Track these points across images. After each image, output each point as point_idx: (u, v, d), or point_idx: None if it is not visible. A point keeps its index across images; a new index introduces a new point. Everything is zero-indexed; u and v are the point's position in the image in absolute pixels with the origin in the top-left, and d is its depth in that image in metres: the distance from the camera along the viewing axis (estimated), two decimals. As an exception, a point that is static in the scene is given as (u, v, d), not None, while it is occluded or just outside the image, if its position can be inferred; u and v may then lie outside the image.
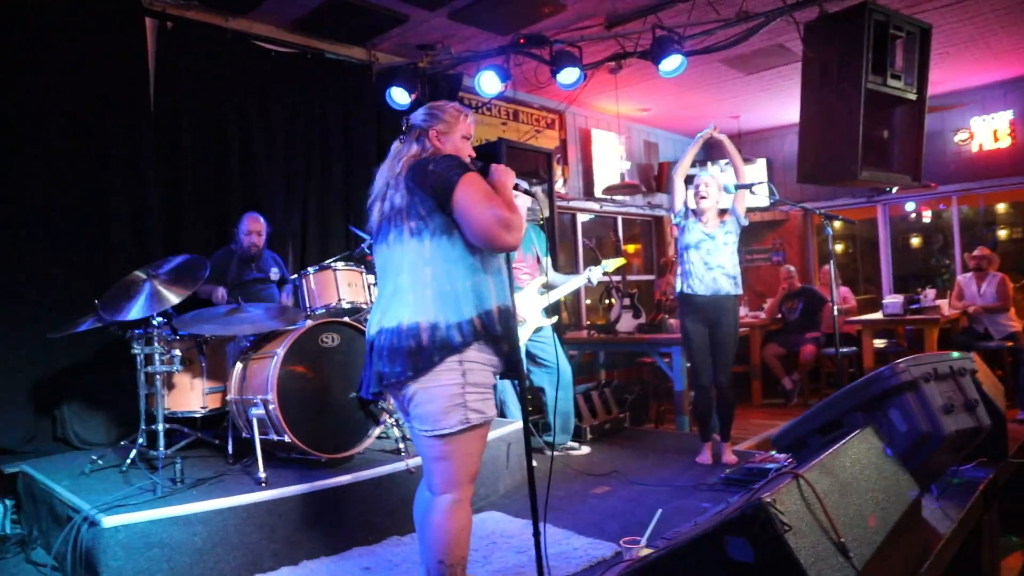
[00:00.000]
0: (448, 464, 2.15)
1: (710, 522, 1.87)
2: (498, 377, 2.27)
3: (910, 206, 9.55)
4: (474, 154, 2.38)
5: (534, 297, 4.82)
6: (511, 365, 2.24)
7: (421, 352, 2.07)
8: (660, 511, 2.68)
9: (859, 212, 9.74)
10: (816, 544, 1.73)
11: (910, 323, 6.87)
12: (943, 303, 7.06)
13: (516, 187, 2.30)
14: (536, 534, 2.27)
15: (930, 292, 6.99)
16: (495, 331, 2.14)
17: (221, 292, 4.30)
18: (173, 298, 3.50)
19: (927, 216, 10.62)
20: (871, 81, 4.59)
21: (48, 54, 4.27)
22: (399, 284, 2.17)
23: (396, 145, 2.35)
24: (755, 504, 1.70)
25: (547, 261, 5.04)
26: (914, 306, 6.82)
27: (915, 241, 11.84)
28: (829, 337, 7.32)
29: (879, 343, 7.45)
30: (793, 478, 1.87)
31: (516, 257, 4.76)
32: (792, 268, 7.85)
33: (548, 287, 4.92)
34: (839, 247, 12.50)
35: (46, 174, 4.27)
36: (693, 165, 5.74)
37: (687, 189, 4.62)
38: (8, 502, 3.83)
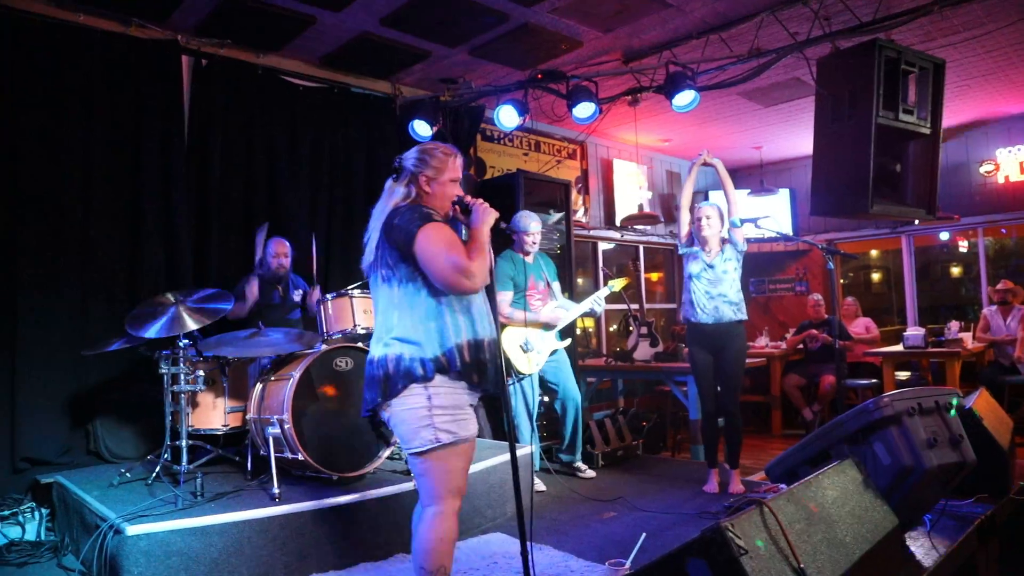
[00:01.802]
0: (428, 479, 2.33)
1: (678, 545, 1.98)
2: (479, 400, 2.44)
3: (945, 235, 9.49)
4: (461, 193, 2.50)
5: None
6: (487, 390, 2.40)
7: (388, 379, 2.31)
8: (644, 535, 2.78)
9: (885, 243, 9.71)
10: (773, 568, 1.83)
11: (931, 356, 6.83)
12: (967, 336, 7.01)
13: (496, 225, 2.45)
14: (524, 554, 2.37)
15: (954, 325, 6.94)
16: (456, 368, 2.30)
17: (254, 281, 4.56)
18: (192, 324, 3.74)
19: (963, 246, 10.51)
20: (882, 116, 4.67)
21: (90, 89, 4.55)
22: (376, 323, 2.43)
23: (389, 184, 2.51)
24: (714, 528, 1.81)
25: (556, 286, 5.18)
26: (939, 338, 6.78)
27: (954, 271, 11.71)
28: (851, 368, 7.31)
29: (902, 375, 7.40)
30: (757, 505, 1.98)
31: (528, 285, 4.93)
32: (819, 297, 7.85)
33: (558, 303, 5.08)
34: (875, 277, 12.43)
35: (85, 201, 4.52)
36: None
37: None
38: (43, 510, 4.06)
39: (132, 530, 3.01)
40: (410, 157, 2.48)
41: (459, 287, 2.28)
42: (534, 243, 4.94)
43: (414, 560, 2.33)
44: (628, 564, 2.59)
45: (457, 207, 2.47)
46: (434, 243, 2.27)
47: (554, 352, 5.04)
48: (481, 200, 2.46)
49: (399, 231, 2.31)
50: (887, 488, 2.65)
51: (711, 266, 4.51)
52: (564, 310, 5.02)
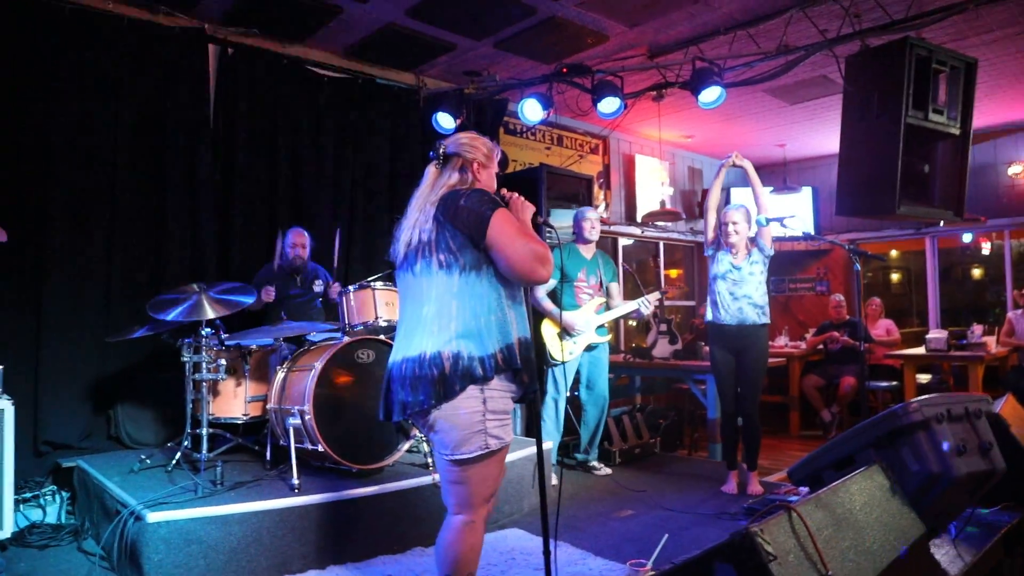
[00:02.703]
0: (464, 488, 2.22)
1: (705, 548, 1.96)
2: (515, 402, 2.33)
3: (967, 237, 9.36)
4: (499, 189, 2.42)
5: (592, 316, 5.01)
6: (528, 392, 2.30)
7: (444, 381, 2.12)
8: (667, 536, 2.75)
9: (909, 243, 9.59)
10: (801, 575, 1.81)
11: (953, 360, 6.75)
12: (990, 340, 6.92)
13: (534, 219, 2.35)
14: (546, 552, 2.35)
15: (977, 328, 6.85)
16: (516, 364, 2.19)
17: (271, 289, 4.53)
18: (211, 312, 3.77)
19: (986, 248, 10.38)
20: (912, 116, 4.59)
21: (117, 76, 4.58)
22: (423, 315, 2.21)
23: (432, 171, 2.36)
24: (742, 532, 1.78)
25: (614, 287, 5.22)
26: (961, 341, 6.70)
27: (976, 273, 11.55)
28: (871, 370, 7.23)
29: (923, 378, 7.32)
30: (785, 510, 1.95)
31: (578, 276, 4.95)
32: (841, 297, 7.78)
33: (609, 306, 5.11)
34: (895, 277, 12.30)
35: (111, 188, 4.56)
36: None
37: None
38: (64, 494, 4.10)
39: (153, 517, 3.03)
40: (459, 143, 2.36)
41: (534, 276, 2.15)
42: (593, 229, 5.01)
43: (440, 568, 2.25)
44: (649, 565, 2.58)
45: (497, 198, 2.37)
46: (512, 228, 2.15)
47: (593, 347, 5.03)
48: (517, 194, 2.38)
49: (469, 213, 2.15)
50: (914, 495, 2.61)
51: (737, 267, 4.47)
52: (597, 315, 5.04)
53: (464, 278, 2.18)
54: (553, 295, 4.95)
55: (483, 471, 2.21)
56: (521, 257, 2.13)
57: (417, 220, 2.27)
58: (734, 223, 4.48)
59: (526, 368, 2.23)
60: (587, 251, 5.08)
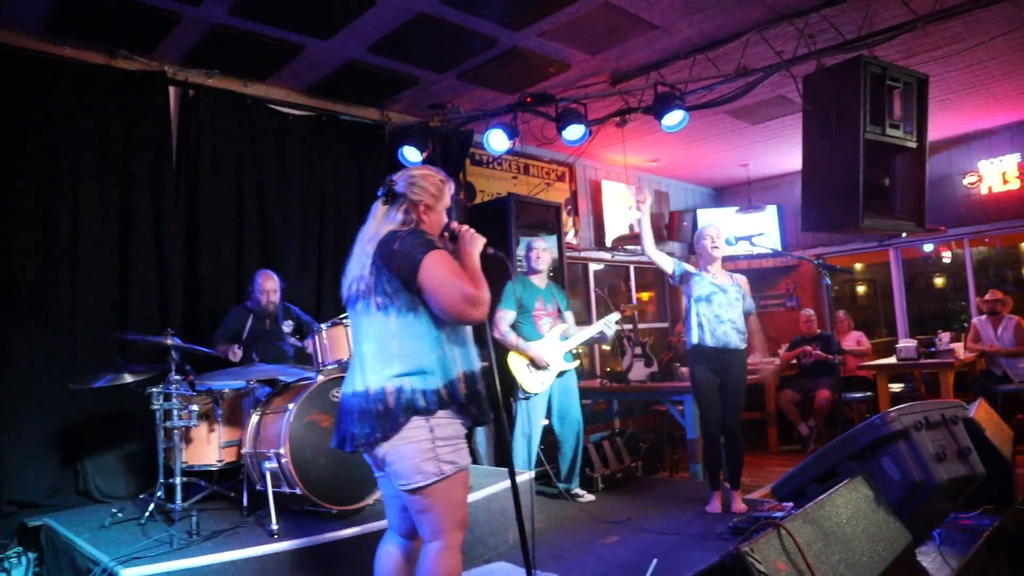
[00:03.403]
0: (433, 514, 2.23)
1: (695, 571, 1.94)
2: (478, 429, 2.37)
3: (928, 247, 9.56)
4: (448, 221, 2.45)
5: (556, 343, 4.99)
6: (480, 422, 2.34)
7: (388, 414, 2.17)
8: (655, 560, 2.72)
9: (873, 256, 9.77)
10: (795, 592, 1.80)
11: (924, 367, 6.84)
12: (958, 347, 7.04)
13: (484, 251, 2.39)
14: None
15: (945, 336, 6.97)
16: (459, 399, 2.24)
17: (236, 349, 4.44)
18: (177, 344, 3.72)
19: (947, 256, 10.61)
20: (870, 131, 4.69)
21: (77, 122, 4.51)
22: (365, 352, 2.28)
23: (379, 210, 2.38)
24: (733, 553, 1.77)
25: (569, 315, 5.21)
26: (930, 349, 6.81)
27: (938, 281, 11.78)
28: (845, 381, 7.30)
29: (895, 387, 7.41)
30: (774, 528, 1.94)
31: (536, 306, 4.95)
32: (811, 312, 7.87)
33: (568, 335, 5.09)
34: (861, 290, 12.49)
35: (74, 234, 4.46)
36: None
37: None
38: (31, 555, 3.95)
39: (127, 574, 2.91)
40: (407, 182, 2.37)
41: (466, 317, 2.19)
42: (539, 259, 5.03)
43: None
44: (640, 591, 2.54)
45: (446, 234, 2.42)
46: (441, 271, 2.17)
47: (562, 373, 5.02)
48: (467, 227, 2.41)
49: (402, 257, 2.20)
50: (897, 504, 2.63)
51: (724, 290, 4.47)
52: (561, 341, 5.02)
53: (401, 319, 2.23)
54: (513, 327, 4.95)
55: (446, 496, 2.23)
56: (451, 300, 2.17)
57: (359, 261, 2.32)
58: (716, 237, 4.51)
59: (472, 401, 2.28)
60: (539, 280, 5.12)
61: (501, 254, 2.47)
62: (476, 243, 2.36)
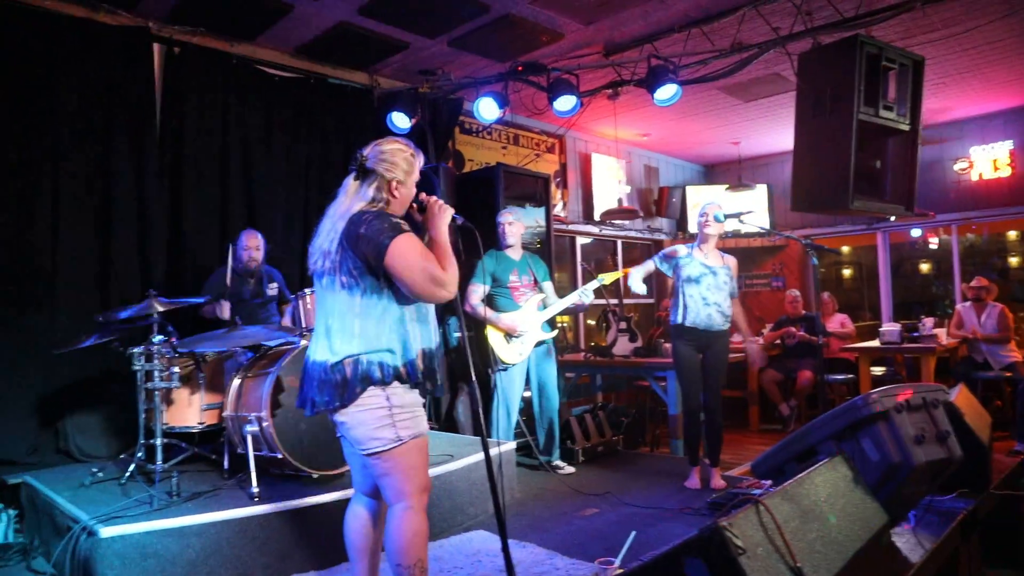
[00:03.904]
0: (393, 478, 2.31)
1: (673, 544, 1.94)
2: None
3: (916, 232, 9.60)
4: (418, 193, 2.46)
5: (533, 313, 4.97)
6: (437, 395, 2.40)
7: (346, 384, 2.25)
8: (634, 533, 2.74)
9: (861, 239, 9.80)
10: (770, 568, 1.80)
11: (907, 352, 6.90)
12: (941, 332, 7.09)
13: (452, 221, 2.43)
14: (505, 549, 2.34)
15: (928, 321, 7.02)
16: (416, 379, 2.32)
17: (226, 305, 4.38)
18: (159, 307, 3.68)
19: (934, 243, 10.65)
20: (863, 112, 4.67)
21: (59, 76, 4.42)
22: (329, 326, 2.32)
23: (351, 185, 2.39)
24: (711, 527, 1.77)
25: (548, 286, 5.16)
26: (913, 334, 6.85)
27: (924, 267, 11.86)
28: (826, 364, 7.35)
29: (877, 370, 7.48)
30: (753, 504, 1.95)
31: (510, 280, 4.91)
32: (797, 293, 7.90)
33: (546, 304, 5.06)
34: (846, 273, 12.56)
35: (54, 193, 4.39)
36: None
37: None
38: (11, 512, 3.92)
39: (106, 532, 2.91)
40: (378, 158, 2.37)
41: (434, 298, 2.28)
42: (506, 234, 4.95)
43: (390, 559, 2.30)
44: (618, 562, 2.56)
45: (414, 206, 2.45)
46: (409, 256, 2.22)
47: (540, 343, 5.01)
48: (435, 198, 2.44)
49: (367, 242, 2.22)
50: (875, 484, 2.64)
51: (714, 272, 4.46)
52: (539, 311, 5.00)
53: (365, 300, 2.29)
54: (490, 300, 4.92)
55: (405, 461, 2.30)
56: (419, 283, 2.23)
57: (327, 236, 2.33)
58: (711, 215, 4.50)
59: (427, 378, 2.37)
60: (514, 253, 5.05)
61: (469, 224, 2.51)
62: (444, 214, 2.42)
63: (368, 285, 2.27)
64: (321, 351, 2.32)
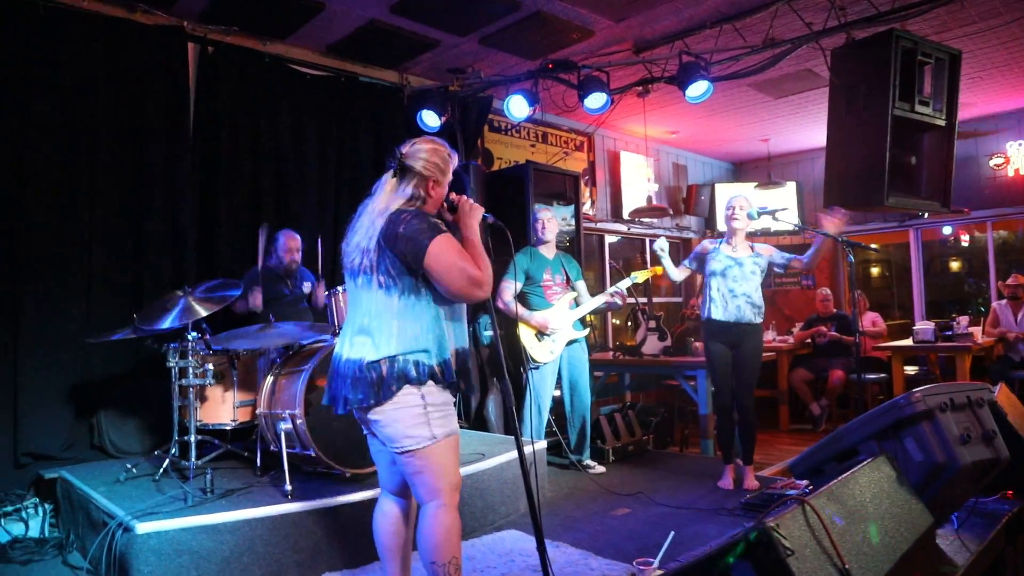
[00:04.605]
0: (426, 475, 2.30)
1: (717, 545, 1.91)
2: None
3: (947, 230, 9.43)
4: (448, 192, 2.45)
5: (566, 312, 4.95)
6: (465, 393, 2.45)
7: (382, 382, 2.24)
8: (672, 533, 2.71)
9: (892, 236, 9.64)
10: (819, 570, 1.76)
11: (941, 350, 6.78)
12: (976, 330, 6.96)
13: (483, 221, 2.42)
14: (541, 551, 2.31)
15: (963, 319, 6.89)
16: (451, 378, 2.32)
17: (258, 293, 4.41)
18: (203, 311, 3.69)
19: (965, 240, 10.46)
20: (898, 107, 4.58)
21: (95, 75, 4.47)
22: (365, 326, 2.30)
23: (389, 182, 2.37)
24: (759, 528, 1.74)
25: (581, 285, 5.14)
26: (947, 332, 6.73)
27: (954, 265, 11.65)
28: (859, 362, 7.24)
29: (910, 370, 7.36)
30: (799, 504, 1.91)
31: (543, 277, 4.90)
32: (828, 291, 7.80)
33: (578, 303, 5.05)
34: (875, 271, 12.37)
35: (92, 189, 4.45)
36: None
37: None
38: (47, 506, 3.98)
39: (142, 528, 2.94)
40: (420, 157, 2.36)
41: (472, 298, 2.27)
42: (544, 229, 4.92)
43: (423, 557, 2.29)
44: (656, 563, 2.53)
45: (445, 205, 2.44)
46: (448, 257, 2.22)
47: (572, 342, 4.99)
48: (465, 197, 2.43)
49: (407, 241, 2.22)
50: (918, 485, 2.59)
51: (739, 263, 4.42)
52: (571, 310, 4.98)
53: (403, 300, 2.28)
54: (523, 298, 4.89)
55: (438, 459, 2.30)
56: (457, 284, 2.22)
57: (367, 233, 2.31)
58: (740, 207, 4.46)
59: (461, 377, 2.37)
60: (547, 251, 5.03)
61: (500, 223, 2.50)
62: (475, 214, 2.41)
63: (407, 285, 2.27)
64: (356, 349, 2.30)
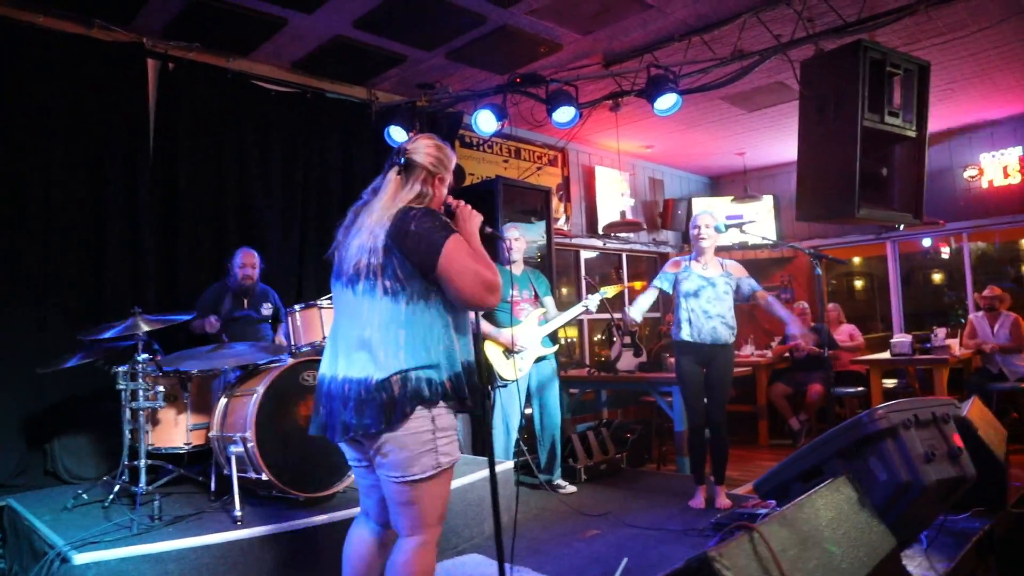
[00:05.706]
0: (416, 508, 2.11)
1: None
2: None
3: (927, 242, 9.43)
4: (449, 198, 2.32)
5: (534, 328, 4.87)
6: (470, 411, 2.23)
7: (394, 404, 2.02)
8: (626, 560, 2.61)
9: (871, 249, 9.64)
10: (765, 600, 1.67)
11: (918, 363, 6.73)
12: (954, 343, 6.92)
13: (481, 229, 2.26)
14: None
15: (940, 331, 6.85)
16: (463, 394, 2.12)
17: (213, 320, 4.30)
18: (144, 327, 3.57)
19: (945, 252, 10.47)
20: (868, 119, 4.55)
21: (51, 92, 4.38)
22: (367, 339, 2.09)
23: (394, 180, 2.20)
24: (700, 557, 1.65)
25: (549, 301, 5.05)
26: (925, 345, 6.69)
27: (935, 277, 11.67)
28: (837, 376, 7.19)
29: (889, 383, 7.30)
30: (746, 531, 1.82)
31: (512, 294, 4.81)
32: (806, 305, 7.76)
33: (547, 319, 4.96)
34: (858, 284, 12.37)
35: (44, 213, 4.34)
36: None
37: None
38: (-7, 537, 3.84)
39: (80, 558, 2.80)
40: (424, 152, 2.22)
41: (483, 304, 2.10)
42: (511, 250, 4.84)
43: None
44: (610, 591, 2.43)
45: (442, 209, 2.28)
46: (463, 258, 2.05)
47: (541, 359, 4.90)
48: (463, 202, 2.28)
49: (419, 240, 2.04)
50: (883, 505, 2.50)
51: (712, 283, 4.35)
52: (540, 326, 4.90)
53: (411, 307, 2.08)
54: (489, 315, 4.80)
55: (435, 490, 2.12)
56: (472, 288, 2.06)
57: (371, 232, 2.11)
58: (706, 226, 4.39)
59: (472, 394, 2.16)
60: (515, 268, 4.94)
61: (498, 232, 2.37)
62: (475, 220, 2.23)
63: (415, 290, 2.08)
64: (357, 367, 2.08)
